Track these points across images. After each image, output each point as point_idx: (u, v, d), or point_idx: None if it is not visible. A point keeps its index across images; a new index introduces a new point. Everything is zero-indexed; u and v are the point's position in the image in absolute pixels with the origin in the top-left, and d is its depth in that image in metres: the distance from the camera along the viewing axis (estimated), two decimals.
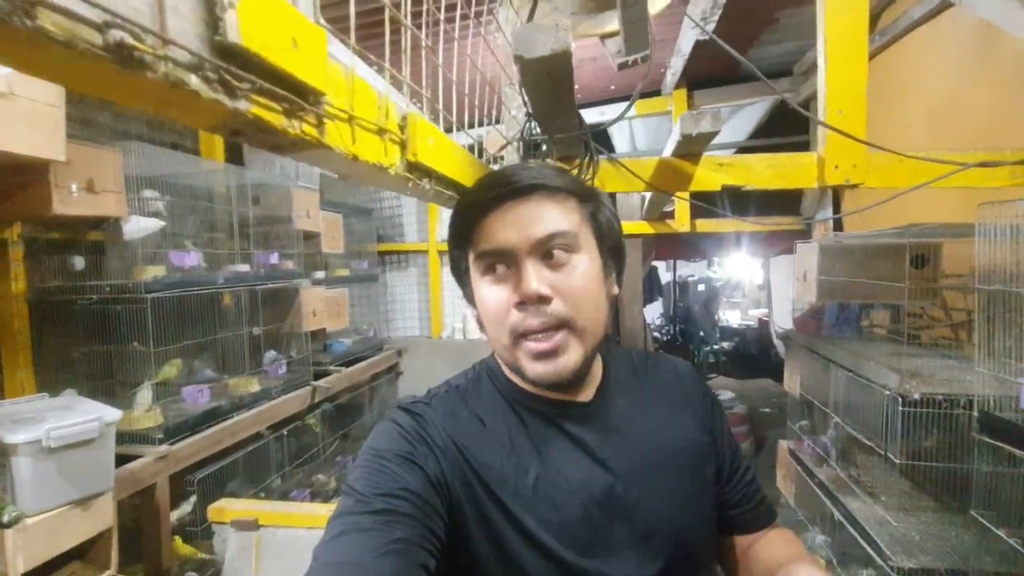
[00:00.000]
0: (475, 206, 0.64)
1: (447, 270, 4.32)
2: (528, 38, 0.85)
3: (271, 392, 2.60)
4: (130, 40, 0.31)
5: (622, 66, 1.02)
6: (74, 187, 1.75)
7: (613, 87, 3.82)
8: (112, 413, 1.51)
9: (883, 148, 1.34)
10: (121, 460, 1.79)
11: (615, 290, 0.69)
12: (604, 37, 1.06)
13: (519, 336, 0.62)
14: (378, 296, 4.27)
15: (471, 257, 0.65)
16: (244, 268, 2.61)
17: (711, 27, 2.68)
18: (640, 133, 4.09)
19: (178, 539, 2.18)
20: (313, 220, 3.09)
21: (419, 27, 0.81)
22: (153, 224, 2.13)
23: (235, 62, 0.39)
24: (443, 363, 4.08)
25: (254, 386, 2.53)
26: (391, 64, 0.69)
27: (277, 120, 0.46)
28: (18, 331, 2.04)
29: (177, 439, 2.03)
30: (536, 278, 0.60)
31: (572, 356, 0.62)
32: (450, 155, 0.84)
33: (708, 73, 3.60)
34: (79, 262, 2.07)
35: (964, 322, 2.02)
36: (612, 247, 0.68)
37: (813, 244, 2.25)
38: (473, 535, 0.61)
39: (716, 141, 1.51)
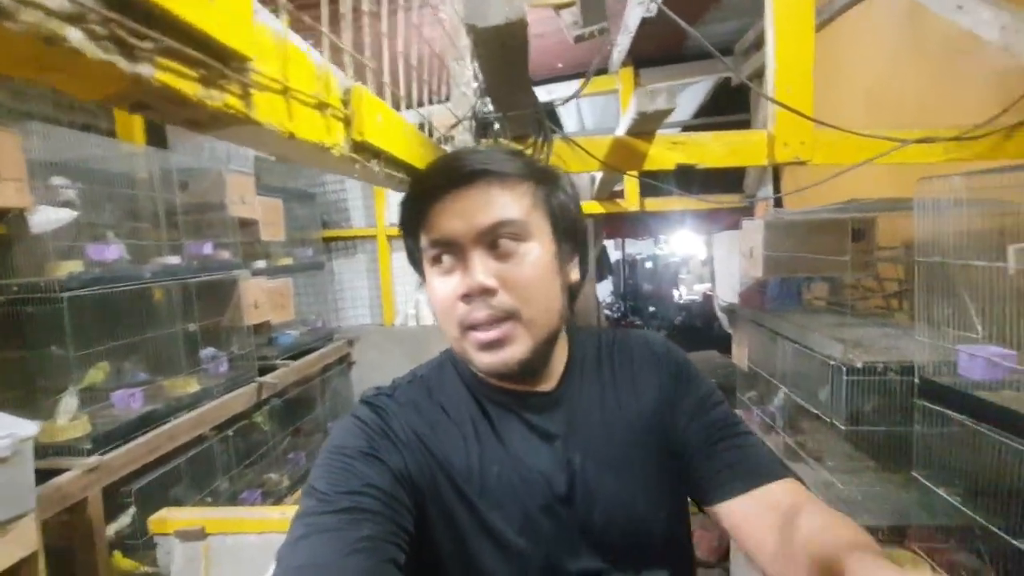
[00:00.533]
0: (422, 194, 0.63)
1: (398, 255, 4.22)
2: (480, 5, 0.79)
3: (212, 391, 2.45)
4: None
5: (579, 39, 0.97)
6: None
7: (560, 65, 3.77)
8: (27, 427, 1.36)
9: (830, 125, 1.36)
10: (47, 475, 1.63)
11: (574, 276, 0.67)
12: (559, 7, 1.01)
13: (466, 328, 0.61)
14: (325, 285, 4.10)
15: (421, 245, 0.64)
16: (174, 260, 2.42)
17: (655, 4, 2.67)
18: (587, 112, 4.08)
19: (117, 553, 2.03)
20: (249, 206, 2.90)
21: None
22: (65, 215, 1.92)
23: (131, 14, 0.32)
24: (397, 351, 3.98)
25: (193, 386, 2.37)
26: (331, 33, 0.62)
27: (192, 89, 0.38)
28: None
29: (108, 448, 1.87)
30: (481, 269, 0.59)
31: (519, 347, 0.61)
32: (400, 134, 0.77)
33: (654, 51, 3.61)
34: None
35: (897, 292, 2.13)
36: (568, 231, 0.66)
37: (759, 221, 2.30)
38: (436, 527, 0.62)
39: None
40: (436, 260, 0.62)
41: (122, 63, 0.32)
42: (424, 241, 0.63)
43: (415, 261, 0.67)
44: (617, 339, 0.74)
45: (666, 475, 0.67)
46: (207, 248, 2.58)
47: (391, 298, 4.14)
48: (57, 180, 1.94)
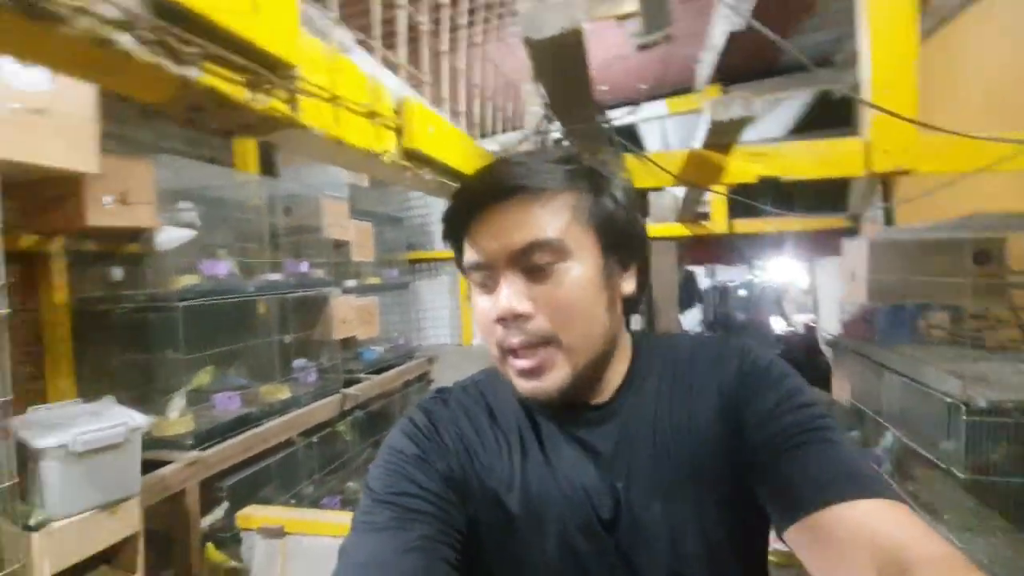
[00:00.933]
0: (460, 209, 0.61)
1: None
2: (536, 18, 0.79)
3: (301, 399, 2.62)
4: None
5: (643, 47, 0.95)
6: (108, 199, 1.80)
7: (643, 86, 3.73)
8: (138, 419, 1.53)
9: (937, 128, 1.22)
10: (154, 466, 1.82)
11: (628, 288, 0.63)
12: (622, 18, 1.00)
13: (505, 351, 0.59)
14: (409, 304, 4.28)
15: (463, 264, 0.63)
16: (275, 277, 2.65)
17: (744, 16, 2.57)
18: (672, 132, 3.98)
19: (211, 545, 2.20)
20: (343, 229, 3.12)
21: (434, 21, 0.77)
22: (185, 234, 2.18)
23: (178, 22, 0.35)
24: (473, 370, 4.01)
25: (284, 393, 2.55)
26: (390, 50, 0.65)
27: (239, 92, 0.41)
28: (60, 340, 2.11)
29: (208, 445, 2.06)
30: (512, 294, 0.57)
31: (558, 374, 0.58)
32: (455, 144, 0.79)
33: (743, 67, 3.46)
34: (117, 272, 2.13)
35: None
36: (619, 241, 0.61)
37: (862, 240, 2.10)
38: (479, 532, 0.62)
39: (753, 137, 1.42)
40: (480, 284, 0.61)
41: (170, 66, 0.36)
42: (466, 261, 0.61)
43: (464, 272, 0.66)
44: (699, 346, 0.67)
45: (727, 508, 0.59)
46: (303, 266, 2.80)
47: (470, 318, 4.24)
48: (181, 204, 2.21)
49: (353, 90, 0.56)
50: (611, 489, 0.60)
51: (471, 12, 0.97)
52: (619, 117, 3.80)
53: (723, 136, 1.31)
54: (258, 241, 2.73)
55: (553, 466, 0.62)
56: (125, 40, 0.33)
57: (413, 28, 0.71)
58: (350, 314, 3.12)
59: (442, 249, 4.41)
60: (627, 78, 3.52)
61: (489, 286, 0.59)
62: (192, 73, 0.37)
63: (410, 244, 4.31)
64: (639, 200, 0.65)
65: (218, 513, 2.23)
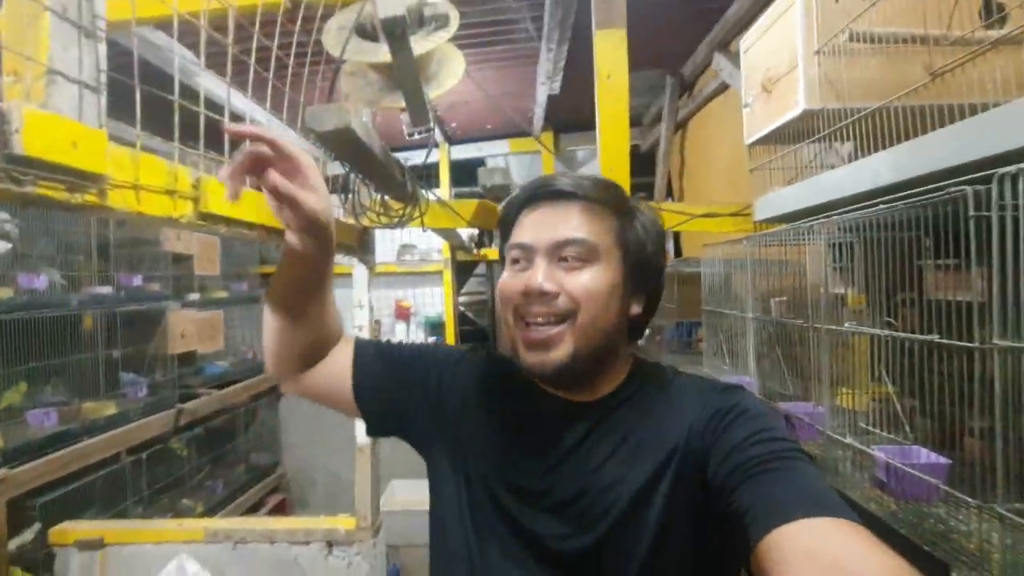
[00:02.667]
0: (518, 202, 0.71)
1: (337, 291, 4.46)
2: (318, 115, 1.11)
3: (129, 415, 2.59)
4: None
5: (410, 135, 1.30)
6: None
7: (489, 126, 4.20)
8: None
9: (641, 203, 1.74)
10: None
11: (636, 310, 0.69)
12: (403, 111, 1.34)
13: (520, 319, 0.65)
14: (260, 318, 4.26)
15: (507, 245, 0.71)
16: (105, 290, 2.60)
17: (557, 84, 3.12)
18: (515, 169, 4.50)
19: (18, 570, 2.12)
20: (184, 242, 3.11)
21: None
22: (1, 247, 2.12)
23: (20, 163, 0.61)
24: None
25: (110, 409, 2.52)
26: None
27: (60, 195, 0.67)
28: None
29: (17, 464, 2.01)
30: (544, 275, 0.64)
31: (563, 350, 0.63)
32: (250, 203, 1.07)
33: (569, 119, 4.07)
34: None
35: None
36: (638, 265, 0.67)
37: None
38: (440, 467, 0.73)
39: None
40: (514, 261, 0.68)
41: (12, 187, 0.61)
42: (509, 242, 0.70)
43: (502, 260, 0.73)
44: (679, 384, 0.69)
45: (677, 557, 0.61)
46: (137, 280, 2.77)
47: None
48: (0, 215, 2.14)
49: (154, 177, 0.83)
50: (570, 486, 0.64)
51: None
52: (480, 156, 4.22)
53: (493, 194, 1.71)
54: (86, 253, 2.67)
55: (528, 446, 0.68)
56: None
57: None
58: (190, 328, 3.11)
59: None
60: (471, 120, 3.96)
61: (523, 265, 0.67)
62: (29, 189, 0.63)
63: (263, 258, 4.31)
64: (663, 240, 0.72)
65: (27, 535, 2.16)
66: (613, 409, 0.67)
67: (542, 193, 0.68)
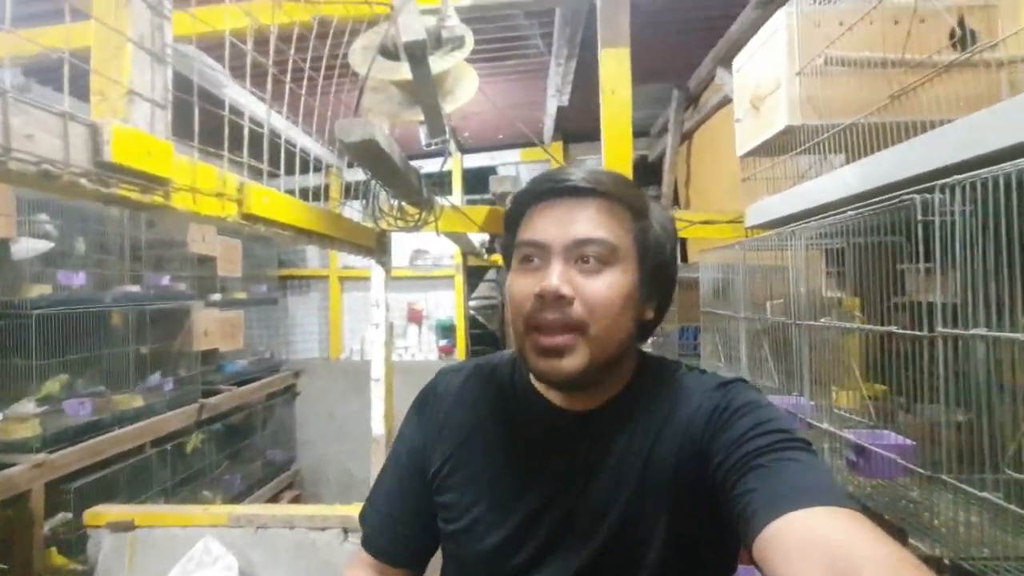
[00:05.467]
0: (529, 195, 0.66)
1: (348, 295, 4.60)
2: (347, 127, 1.23)
3: (155, 407, 2.73)
4: (50, 168, 0.65)
5: (428, 145, 1.42)
6: None
7: (501, 136, 4.34)
8: None
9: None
10: None
11: (649, 315, 0.66)
12: (420, 124, 1.47)
13: (532, 328, 0.61)
14: (278, 319, 4.42)
15: (513, 244, 0.66)
16: (134, 289, 2.76)
17: (566, 96, 3.24)
18: (525, 176, 4.63)
19: (53, 549, 2.25)
20: (209, 245, 3.27)
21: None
22: (42, 245, 2.27)
23: (108, 169, 0.73)
24: (342, 382, 4.28)
25: (138, 402, 2.66)
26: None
27: (136, 196, 0.79)
28: None
29: (55, 449, 2.15)
30: (561, 277, 0.59)
31: (577, 359, 0.60)
32: (284, 207, 1.19)
33: (579, 129, 4.20)
34: None
35: None
36: (655, 268, 0.65)
37: None
38: (445, 496, 0.69)
39: None
40: (526, 259, 0.63)
41: (101, 188, 0.73)
42: (519, 238, 0.64)
43: (508, 256, 0.69)
44: (681, 381, 0.66)
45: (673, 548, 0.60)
46: (164, 280, 2.93)
47: (339, 333, 4.48)
48: (40, 216, 2.30)
49: (208, 182, 0.96)
50: (562, 502, 0.63)
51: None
52: (492, 165, 4.35)
53: (502, 202, 1.82)
54: (118, 254, 2.82)
55: (518, 464, 0.66)
56: (83, 182, 0.71)
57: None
58: (212, 327, 3.26)
59: (314, 267, 4.62)
60: (484, 129, 4.10)
61: (535, 265, 0.62)
62: (113, 191, 0.75)
63: (281, 261, 4.47)
64: (677, 241, 0.70)
65: (64, 516, 2.29)
66: (619, 412, 0.65)
67: (557, 188, 0.63)
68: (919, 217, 0.79)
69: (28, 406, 2.14)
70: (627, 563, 0.60)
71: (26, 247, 2.17)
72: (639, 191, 0.66)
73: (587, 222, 0.61)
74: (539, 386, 0.67)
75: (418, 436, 0.72)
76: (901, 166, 0.86)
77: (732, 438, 0.56)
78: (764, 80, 1.30)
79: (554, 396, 0.67)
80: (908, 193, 0.80)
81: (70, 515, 2.26)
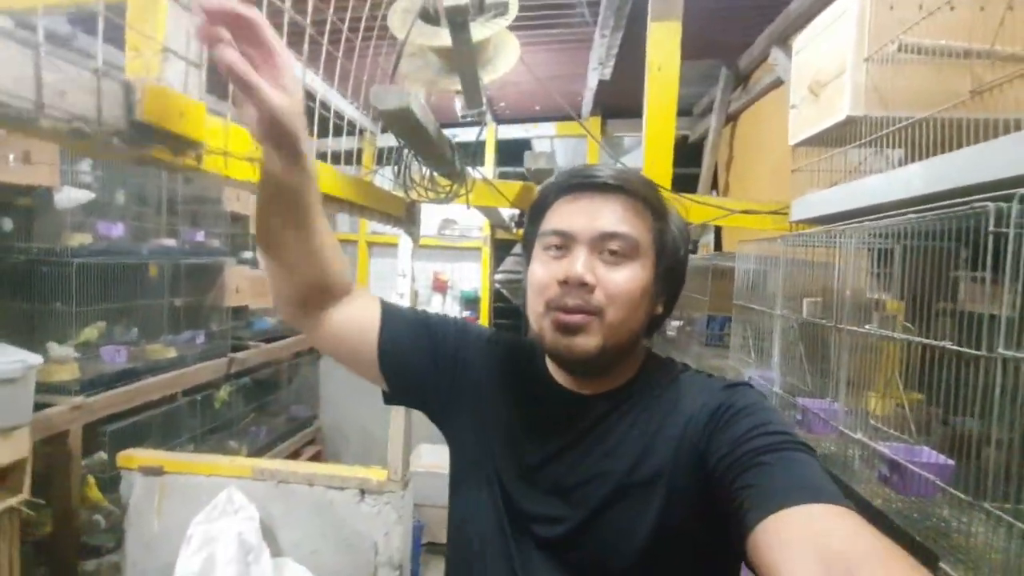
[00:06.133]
0: (557, 188, 0.69)
1: (376, 260, 4.63)
2: (381, 93, 1.20)
3: (187, 359, 2.82)
4: (82, 126, 0.64)
5: (464, 118, 1.38)
6: (11, 157, 1.94)
7: (537, 107, 4.23)
8: (33, 358, 1.74)
9: (682, 196, 1.77)
10: (39, 408, 1.99)
11: (659, 310, 0.70)
12: (457, 93, 1.42)
13: (552, 308, 0.64)
14: None
15: (539, 232, 0.69)
16: (170, 242, 2.82)
17: (608, 70, 3.12)
18: (560, 152, 4.53)
19: (91, 478, 2.37)
20: (243, 203, 3.31)
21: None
22: (83, 195, 2.32)
23: (140, 129, 0.72)
24: None
25: (171, 352, 2.75)
26: None
27: (168, 157, 0.78)
28: None
29: (92, 393, 2.24)
30: (586, 266, 0.63)
31: (592, 339, 0.63)
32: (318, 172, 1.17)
33: (618, 105, 4.06)
34: (6, 223, 2.24)
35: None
36: (669, 269, 0.68)
37: None
38: (455, 440, 0.77)
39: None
40: (550, 247, 0.66)
41: (135, 150, 0.72)
42: (545, 227, 0.68)
43: (528, 246, 0.72)
44: (685, 382, 0.68)
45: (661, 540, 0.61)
46: (199, 235, 2.98)
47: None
48: (83, 166, 2.35)
49: (239, 145, 0.94)
50: (563, 473, 0.67)
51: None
52: (526, 137, 4.27)
53: (536, 177, 1.78)
54: (155, 207, 2.88)
55: (526, 434, 0.70)
56: (115, 141, 0.70)
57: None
58: (244, 284, 3.32)
59: (346, 231, 4.65)
60: (521, 100, 3.99)
61: (561, 253, 0.65)
62: (145, 151, 0.74)
63: None
64: (689, 242, 0.73)
65: (99, 457, 2.41)
66: (621, 401, 0.67)
67: (585, 183, 0.67)
68: (991, 227, 0.72)
69: (67, 350, 2.23)
70: (608, 546, 0.62)
71: (68, 196, 2.22)
72: (659, 193, 0.70)
73: (613, 217, 0.64)
74: (552, 369, 0.71)
75: (460, 348, 0.78)
76: (976, 169, 0.79)
77: (734, 436, 0.57)
78: (826, 64, 1.21)
79: (564, 379, 0.70)
80: (981, 200, 0.74)
81: (105, 456, 2.38)
